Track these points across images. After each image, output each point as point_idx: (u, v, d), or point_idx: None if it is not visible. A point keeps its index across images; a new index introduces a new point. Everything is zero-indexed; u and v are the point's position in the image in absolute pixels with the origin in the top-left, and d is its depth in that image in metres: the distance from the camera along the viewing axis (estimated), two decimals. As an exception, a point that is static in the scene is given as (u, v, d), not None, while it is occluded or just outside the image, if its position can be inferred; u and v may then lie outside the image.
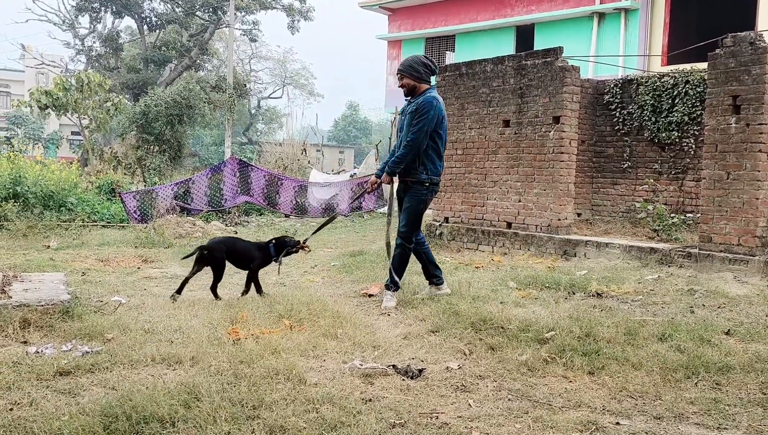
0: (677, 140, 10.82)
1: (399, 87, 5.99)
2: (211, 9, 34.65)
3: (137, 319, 5.04)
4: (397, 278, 5.95)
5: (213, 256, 5.95)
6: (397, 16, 26.17)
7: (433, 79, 6.03)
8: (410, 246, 6.01)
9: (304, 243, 6.30)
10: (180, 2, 34.96)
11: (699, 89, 10.31)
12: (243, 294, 6.11)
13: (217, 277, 6.00)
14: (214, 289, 6.00)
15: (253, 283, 6.12)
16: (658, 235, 9.06)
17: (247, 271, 6.15)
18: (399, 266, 5.98)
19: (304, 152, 23.30)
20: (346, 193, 17.28)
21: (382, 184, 6.14)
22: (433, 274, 6.23)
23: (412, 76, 5.83)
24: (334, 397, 3.45)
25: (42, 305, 4.76)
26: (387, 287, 5.98)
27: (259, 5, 35.51)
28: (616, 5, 19.88)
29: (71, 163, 16.74)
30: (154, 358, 4.05)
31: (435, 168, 5.87)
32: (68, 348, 4.23)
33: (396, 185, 6.07)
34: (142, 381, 3.66)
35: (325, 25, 63.46)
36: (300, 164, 21.87)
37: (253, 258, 6.12)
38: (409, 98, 5.91)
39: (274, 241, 6.22)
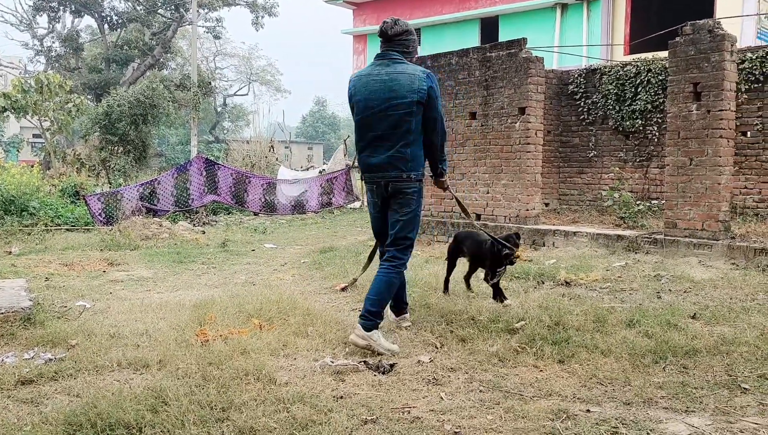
0: (641, 128, 10.97)
1: None
2: (173, 6, 34.14)
3: (102, 323, 4.93)
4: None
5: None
6: (362, 11, 26.09)
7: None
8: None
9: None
10: (141, 0, 34.37)
11: (661, 77, 10.46)
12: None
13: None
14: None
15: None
16: (624, 222, 9.18)
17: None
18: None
19: (271, 149, 23.11)
20: (316, 189, 17.20)
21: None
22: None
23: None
24: (305, 396, 3.41)
25: (2, 313, 4.63)
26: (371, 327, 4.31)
27: (222, 2, 35.11)
28: (579, -4, 20.06)
29: (32, 167, 16.36)
30: (120, 363, 3.96)
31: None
32: (30, 356, 4.12)
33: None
34: (108, 387, 3.58)
35: (289, 20, 63.02)
36: (268, 162, 21.69)
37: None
38: None
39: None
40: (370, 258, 5.42)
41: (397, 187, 4.48)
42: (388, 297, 4.49)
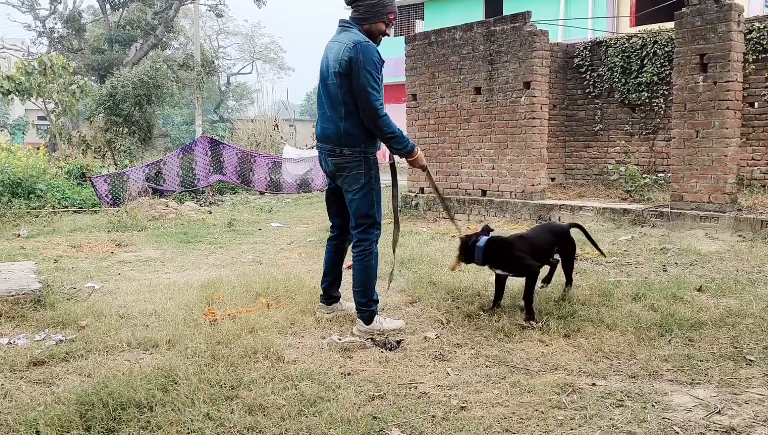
0: (647, 101, 10.89)
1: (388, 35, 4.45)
2: (174, -15, 33.87)
3: (111, 304, 4.98)
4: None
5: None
6: (365, -14, 25.81)
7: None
8: None
9: None
10: (142, -21, 34.11)
11: (667, 49, 10.36)
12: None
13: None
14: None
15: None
16: (630, 196, 9.16)
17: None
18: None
19: (276, 128, 23.06)
20: (319, 169, 17.17)
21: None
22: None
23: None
24: (313, 373, 3.44)
25: (12, 295, 4.68)
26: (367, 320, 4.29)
27: (224, -21, 34.83)
28: (584, -33, 19.81)
29: (38, 149, 16.39)
30: (130, 343, 4.01)
31: None
32: (41, 337, 4.17)
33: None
34: (118, 367, 3.62)
35: (292, -3, 62.38)
36: (273, 140, 21.65)
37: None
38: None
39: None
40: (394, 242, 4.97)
41: (336, 163, 4.25)
42: (370, 281, 4.31)
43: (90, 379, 3.47)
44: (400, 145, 4.22)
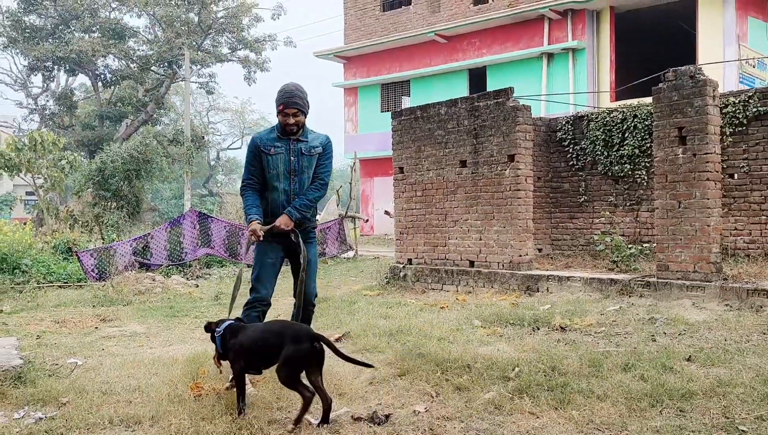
0: (630, 172, 11.11)
1: (290, 124, 4.80)
2: (166, 63, 34.71)
3: (94, 380, 4.88)
4: None
5: None
6: (352, 64, 26.59)
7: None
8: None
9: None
10: (134, 58, 34.95)
11: (647, 123, 10.66)
12: None
13: None
14: None
15: None
16: (617, 266, 9.21)
17: None
18: None
19: (265, 201, 23.18)
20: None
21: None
22: None
23: (305, 113, 4.89)
24: (300, 449, 3.36)
25: (-7, 372, 4.58)
26: None
27: (215, 58, 35.73)
28: (564, 45, 20.56)
29: (25, 224, 16.35)
30: (112, 420, 3.91)
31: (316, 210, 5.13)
32: (20, 415, 4.06)
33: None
34: (99, 445, 3.53)
35: (281, 74, 63.85)
36: (261, 213, 21.71)
37: None
38: (294, 135, 4.86)
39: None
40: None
41: None
42: None
43: (69, 458, 3.37)
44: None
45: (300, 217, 4.84)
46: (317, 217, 5.18)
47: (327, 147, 5.00)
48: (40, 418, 3.98)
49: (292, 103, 4.77)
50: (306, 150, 4.89)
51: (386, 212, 19.19)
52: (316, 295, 5.07)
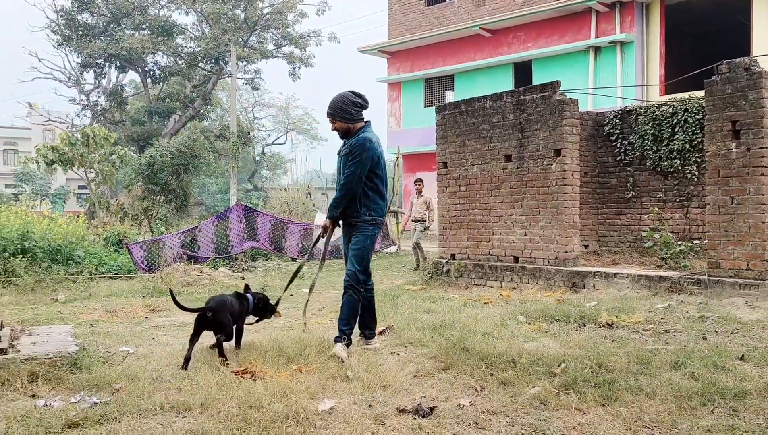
0: (680, 168, 10.86)
1: (332, 130, 5.65)
2: (213, 60, 35.27)
3: (145, 368, 5.01)
4: (348, 330, 5.42)
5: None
6: (396, 59, 26.57)
7: (365, 114, 5.70)
8: (360, 289, 5.51)
9: (276, 305, 6.18)
10: (182, 55, 35.61)
11: (698, 116, 10.39)
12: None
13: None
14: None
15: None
16: (666, 263, 9.02)
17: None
18: (350, 317, 5.46)
19: (308, 196, 23.42)
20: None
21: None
22: (367, 325, 5.78)
23: (344, 118, 5.54)
24: (345, 439, 3.40)
25: (50, 358, 4.74)
26: (337, 340, 5.38)
27: (261, 54, 36.13)
28: (612, 39, 20.16)
29: (78, 217, 16.84)
30: (163, 407, 4.01)
31: (379, 207, 5.59)
32: (77, 400, 4.20)
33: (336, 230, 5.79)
34: (151, 430, 3.63)
35: (326, 69, 64.27)
36: (305, 208, 21.96)
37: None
38: (345, 139, 5.65)
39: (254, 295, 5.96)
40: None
41: None
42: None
43: (123, 442, 3.47)
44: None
45: (330, 216, 5.64)
46: (361, 213, 5.56)
47: (353, 148, 5.46)
48: (95, 403, 4.10)
49: (328, 113, 5.62)
50: (343, 152, 5.59)
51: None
52: (350, 275, 5.52)
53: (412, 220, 13.47)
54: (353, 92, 5.60)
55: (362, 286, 5.54)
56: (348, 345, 5.38)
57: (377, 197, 5.59)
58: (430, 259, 12.36)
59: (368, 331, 5.80)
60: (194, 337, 5.26)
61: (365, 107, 5.62)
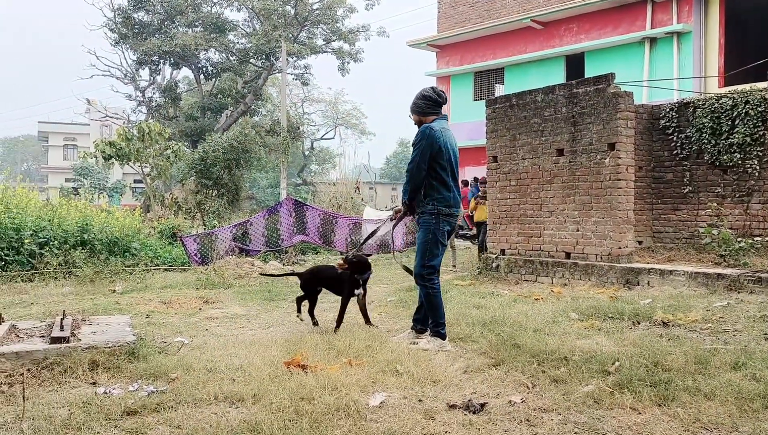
0: (740, 162, 10.50)
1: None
2: (264, 56, 35.69)
3: (200, 358, 5.11)
4: (442, 321, 5.60)
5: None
6: (445, 53, 26.41)
7: (443, 109, 5.87)
8: (429, 284, 5.60)
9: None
10: (234, 51, 36.16)
11: (760, 109, 10.03)
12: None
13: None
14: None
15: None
16: (724, 260, 8.75)
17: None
18: (434, 309, 5.61)
19: (357, 190, 23.49)
20: (400, 228, 17.31)
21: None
22: (422, 319, 5.85)
23: (416, 111, 5.79)
24: (395, 433, 3.41)
25: (109, 347, 4.89)
26: (435, 335, 5.57)
27: (310, 50, 36.40)
28: (668, 29, 19.61)
29: (134, 210, 17.31)
30: (217, 397, 4.09)
31: (442, 197, 5.59)
32: (134, 388, 4.32)
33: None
34: (206, 419, 3.70)
35: (374, 65, 64.40)
36: (353, 202, 22.06)
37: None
38: None
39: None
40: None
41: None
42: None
43: (179, 430, 3.56)
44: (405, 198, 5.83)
45: (402, 200, 5.84)
46: (425, 202, 5.68)
47: (416, 137, 5.67)
48: (152, 392, 4.22)
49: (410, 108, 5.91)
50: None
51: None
52: (416, 274, 5.71)
53: None
54: (432, 88, 5.85)
55: (429, 282, 5.61)
56: (444, 338, 5.57)
57: (442, 188, 5.60)
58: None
59: (420, 325, 5.85)
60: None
61: (438, 102, 5.78)
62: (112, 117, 40.09)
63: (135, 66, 37.67)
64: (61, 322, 5.41)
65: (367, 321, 6.40)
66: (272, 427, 3.46)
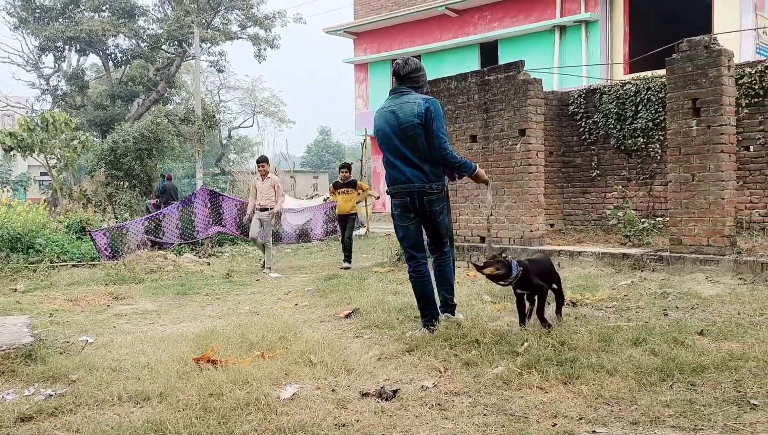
0: (643, 146, 10.97)
1: None
2: (176, 42, 34.57)
3: (104, 357, 4.90)
4: (442, 302, 5.57)
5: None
6: (362, 40, 26.35)
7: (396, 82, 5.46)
8: (415, 265, 5.43)
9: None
10: (145, 37, 34.85)
11: (660, 95, 10.49)
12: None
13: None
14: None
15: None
16: (630, 240, 9.13)
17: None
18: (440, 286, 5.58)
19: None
20: (320, 217, 17.21)
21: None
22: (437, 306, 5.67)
23: (423, 84, 5.50)
24: (306, 425, 3.36)
25: (3, 350, 4.62)
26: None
27: (225, 36, 35.52)
28: (576, 18, 20.23)
29: (39, 204, 16.46)
30: (121, 397, 3.93)
31: (388, 179, 5.41)
32: (31, 392, 4.09)
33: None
34: (108, 421, 3.54)
35: (292, 51, 63.70)
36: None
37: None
38: None
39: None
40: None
41: (427, 198, 5.21)
42: (453, 281, 5.61)
43: (78, 434, 3.39)
44: (467, 170, 5.35)
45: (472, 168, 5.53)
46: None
47: (427, 113, 5.24)
48: (50, 395, 4.00)
49: None
50: None
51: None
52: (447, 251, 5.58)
53: (258, 209, 11.39)
54: (405, 58, 5.49)
55: (413, 263, 5.41)
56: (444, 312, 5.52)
57: (387, 168, 5.39)
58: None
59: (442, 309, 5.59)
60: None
61: (394, 73, 5.45)
62: (14, 106, 37.97)
63: (37, 52, 35.78)
64: (-49, 326, 5.07)
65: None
66: (178, 426, 3.34)
